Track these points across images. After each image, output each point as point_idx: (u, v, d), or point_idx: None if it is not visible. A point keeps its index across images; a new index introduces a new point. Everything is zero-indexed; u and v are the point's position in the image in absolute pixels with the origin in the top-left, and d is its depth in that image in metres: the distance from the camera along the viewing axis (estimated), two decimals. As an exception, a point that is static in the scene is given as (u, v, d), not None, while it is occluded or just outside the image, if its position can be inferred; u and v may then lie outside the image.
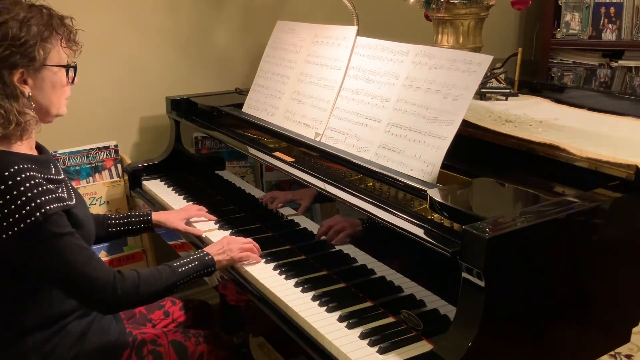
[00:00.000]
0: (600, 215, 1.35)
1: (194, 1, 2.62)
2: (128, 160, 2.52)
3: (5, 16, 1.37)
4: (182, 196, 2.27)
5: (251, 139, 2.11)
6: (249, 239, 1.76)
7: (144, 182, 2.42)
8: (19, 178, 1.34)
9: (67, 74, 1.49)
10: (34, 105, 1.43)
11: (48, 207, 1.34)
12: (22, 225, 1.32)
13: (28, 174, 1.35)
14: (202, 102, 2.42)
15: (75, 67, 1.51)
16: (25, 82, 1.41)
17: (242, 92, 2.41)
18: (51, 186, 1.40)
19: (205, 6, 2.65)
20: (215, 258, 1.63)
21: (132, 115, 2.59)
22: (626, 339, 1.53)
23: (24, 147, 1.45)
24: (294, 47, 2.14)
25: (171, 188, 2.35)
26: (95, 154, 2.46)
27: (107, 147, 2.49)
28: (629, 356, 2.11)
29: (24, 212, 1.32)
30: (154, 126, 2.63)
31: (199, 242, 1.94)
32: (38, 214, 1.32)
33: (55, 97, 1.48)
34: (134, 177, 2.43)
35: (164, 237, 2.23)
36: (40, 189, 1.35)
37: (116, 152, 2.50)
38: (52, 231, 1.35)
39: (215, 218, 2.03)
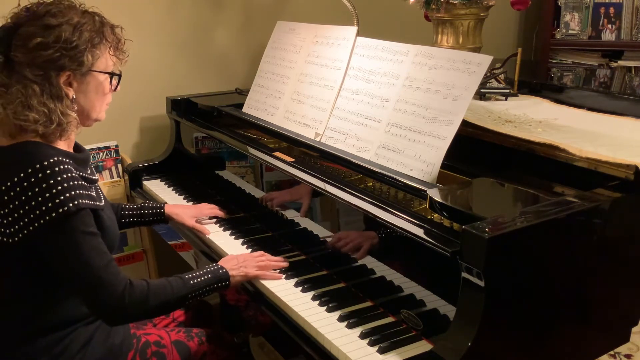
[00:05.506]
0: (600, 215, 1.35)
1: (194, 1, 2.62)
2: (128, 160, 2.52)
3: (60, 19, 1.41)
4: (183, 196, 2.27)
5: (251, 139, 2.11)
6: (261, 252, 1.73)
7: (144, 182, 2.42)
8: (56, 169, 1.35)
9: (111, 81, 1.52)
10: (76, 108, 1.46)
11: (80, 201, 1.36)
12: (53, 214, 1.33)
13: (64, 166, 1.37)
14: (202, 102, 2.42)
15: (120, 75, 1.54)
16: (70, 85, 1.44)
17: (242, 92, 2.41)
18: (85, 184, 1.42)
19: (205, 6, 2.65)
20: (230, 273, 1.61)
21: (132, 115, 2.59)
22: (626, 338, 1.53)
23: (63, 144, 1.47)
24: (294, 47, 2.14)
25: (171, 188, 2.35)
26: (96, 154, 2.46)
27: (107, 147, 2.49)
28: (628, 356, 2.11)
29: (57, 201, 1.33)
30: (154, 126, 2.64)
31: (201, 243, 1.94)
32: (71, 204, 1.34)
33: (98, 102, 1.51)
34: (134, 177, 2.43)
35: (164, 236, 2.23)
36: (74, 182, 1.37)
37: (116, 152, 2.50)
38: (79, 227, 1.36)
39: (224, 214, 2.03)
